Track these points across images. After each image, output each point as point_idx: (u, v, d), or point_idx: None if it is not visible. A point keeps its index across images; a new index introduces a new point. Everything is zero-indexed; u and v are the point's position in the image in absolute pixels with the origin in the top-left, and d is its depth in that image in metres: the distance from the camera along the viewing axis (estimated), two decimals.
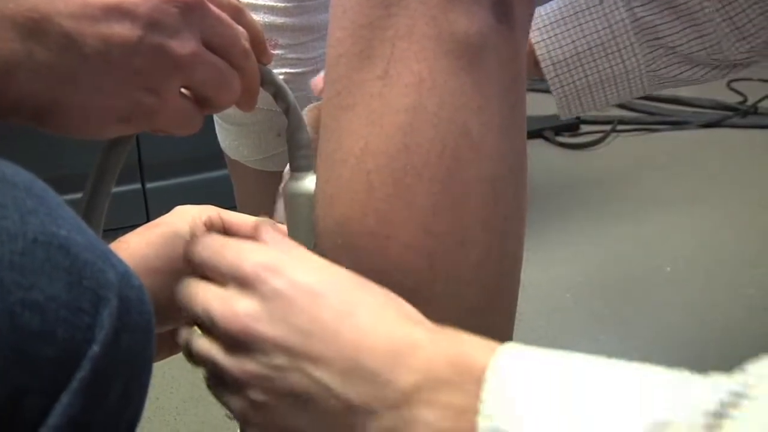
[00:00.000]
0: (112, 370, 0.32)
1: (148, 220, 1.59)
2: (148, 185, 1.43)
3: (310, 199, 0.54)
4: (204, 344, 0.44)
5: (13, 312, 0.29)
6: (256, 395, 0.41)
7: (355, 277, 0.43)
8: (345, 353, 0.39)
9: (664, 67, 0.64)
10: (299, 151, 0.58)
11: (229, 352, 0.42)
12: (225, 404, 0.44)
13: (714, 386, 0.33)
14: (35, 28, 0.39)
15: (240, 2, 0.53)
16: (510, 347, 0.37)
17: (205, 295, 0.44)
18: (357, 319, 0.40)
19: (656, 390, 0.34)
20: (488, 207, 0.49)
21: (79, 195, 0.49)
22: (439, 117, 0.48)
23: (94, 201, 0.49)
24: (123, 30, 0.42)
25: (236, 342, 0.41)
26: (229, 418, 0.89)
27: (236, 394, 0.42)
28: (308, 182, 0.57)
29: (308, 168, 0.57)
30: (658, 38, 0.62)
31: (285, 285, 0.42)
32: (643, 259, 1.41)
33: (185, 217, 0.55)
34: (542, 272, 1.31)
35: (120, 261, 0.33)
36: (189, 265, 0.46)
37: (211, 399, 0.45)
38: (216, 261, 0.45)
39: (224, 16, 0.49)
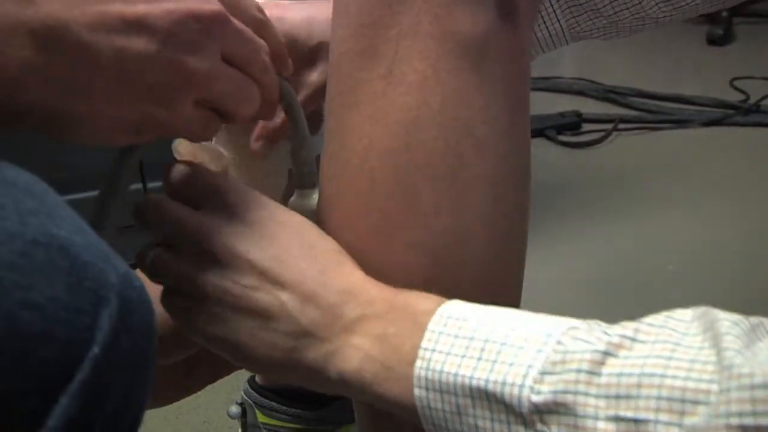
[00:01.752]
0: (113, 372, 0.31)
1: None
2: (150, 185, 1.43)
3: (316, 216, 0.54)
4: (173, 258, 0.47)
5: (12, 313, 0.29)
6: (218, 309, 0.46)
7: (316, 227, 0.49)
8: (308, 284, 0.45)
9: (588, 31, 0.64)
10: (304, 168, 0.57)
11: (199, 267, 0.46)
12: (177, 317, 0.48)
13: (611, 330, 0.38)
14: (51, 36, 0.38)
15: (264, 16, 0.52)
16: (450, 302, 0.43)
17: (177, 212, 0.48)
18: (321, 258, 0.47)
19: (559, 335, 0.39)
20: (491, 205, 0.49)
21: (82, 195, 0.48)
22: (442, 115, 0.47)
23: (106, 210, 0.49)
24: (140, 43, 0.41)
25: (211, 258, 0.46)
26: (231, 417, 0.89)
27: (197, 308, 0.47)
28: (314, 199, 0.56)
29: (313, 185, 0.56)
30: (580, 3, 0.61)
31: (264, 215, 0.47)
32: (645, 257, 1.40)
33: None
34: (544, 271, 1.31)
35: (121, 261, 0.33)
36: (166, 186, 0.50)
37: (213, 399, 0.46)
38: (192, 182, 0.49)
39: (246, 29, 0.49)
